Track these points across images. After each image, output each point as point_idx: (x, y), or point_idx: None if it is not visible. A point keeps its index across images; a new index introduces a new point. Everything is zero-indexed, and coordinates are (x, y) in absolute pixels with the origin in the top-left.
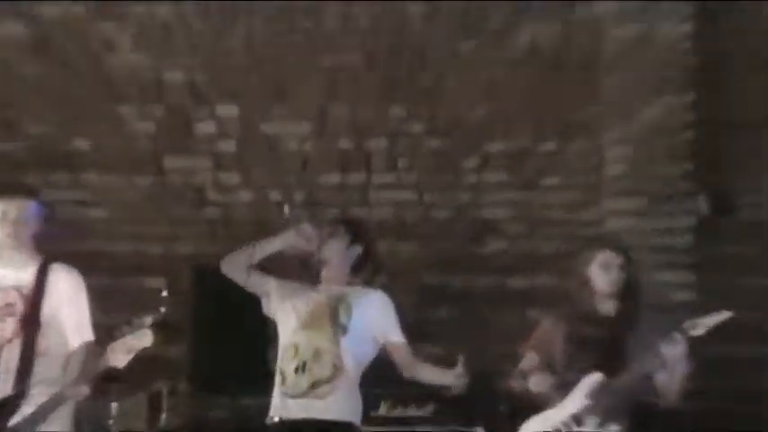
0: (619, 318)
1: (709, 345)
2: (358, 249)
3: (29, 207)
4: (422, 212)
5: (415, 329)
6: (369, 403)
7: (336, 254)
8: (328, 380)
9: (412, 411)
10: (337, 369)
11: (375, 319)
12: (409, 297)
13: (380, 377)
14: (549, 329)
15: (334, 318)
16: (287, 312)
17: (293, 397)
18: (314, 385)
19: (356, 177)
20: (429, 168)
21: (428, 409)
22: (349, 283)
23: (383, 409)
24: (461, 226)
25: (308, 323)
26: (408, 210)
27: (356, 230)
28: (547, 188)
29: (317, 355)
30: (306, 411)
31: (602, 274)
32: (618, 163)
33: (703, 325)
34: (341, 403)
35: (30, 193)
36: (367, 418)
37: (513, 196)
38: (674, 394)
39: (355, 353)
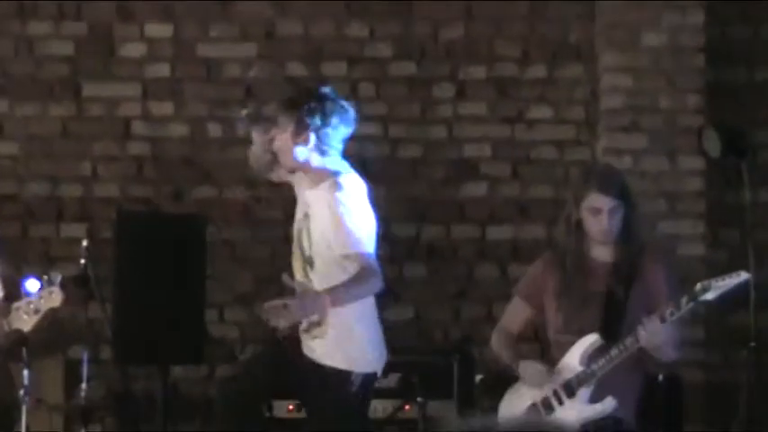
0: (616, 268)
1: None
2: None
3: None
4: (388, 150)
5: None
6: None
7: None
8: (318, 320)
9: None
10: None
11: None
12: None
13: None
14: (540, 276)
15: (300, 246)
16: None
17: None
18: (308, 327)
19: None
20: (396, 98)
21: (391, 380)
22: (315, 179)
23: None
24: (434, 166)
25: (293, 255)
26: (373, 146)
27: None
28: (533, 122)
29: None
30: (308, 351)
31: (590, 219)
32: (615, 94)
33: (717, 288)
34: (330, 347)
35: None
36: None
37: (495, 132)
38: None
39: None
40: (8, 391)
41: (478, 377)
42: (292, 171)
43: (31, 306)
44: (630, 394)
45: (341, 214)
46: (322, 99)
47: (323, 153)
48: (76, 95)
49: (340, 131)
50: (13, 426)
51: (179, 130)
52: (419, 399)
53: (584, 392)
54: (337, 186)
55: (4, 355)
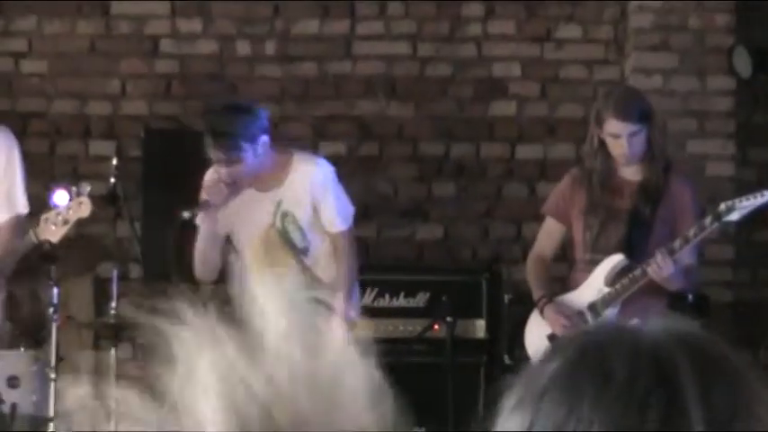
0: (642, 187)
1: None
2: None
3: None
4: (417, 69)
5: (411, 207)
6: None
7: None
8: None
9: (401, 302)
10: None
11: None
12: (404, 169)
13: (364, 262)
14: (568, 192)
15: (288, 243)
16: None
17: None
18: None
19: (338, 26)
20: (424, 16)
21: (420, 299)
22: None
23: (368, 299)
24: (463, 85)
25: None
26: (401, 65)
27: None
28: (562, 41)
29: None
30: None
31: (611, 142)
32: (644, 13)
33: (741, 208)
34: None
35: None
36: None
37: (524, 51)
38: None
39: None
40: (37, 308)
41: (507, 296)
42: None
43: (60, 217)
44: (656, 315)
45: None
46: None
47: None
48: (105, 13)
49: None
50: (43, 343)
51: (207, 47)
52: (448, 318)
53: (610, 313)
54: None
55: (33, 270)
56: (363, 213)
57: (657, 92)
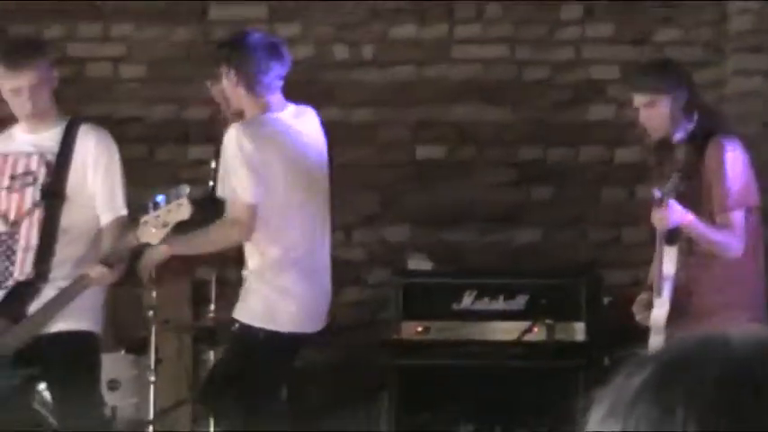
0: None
1: None
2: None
3: (39, 70)
4: (514, 72)
5: (509, 210)
6: (451, 295)
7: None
8: None
9: (500, 304)
10: None
11: None
12: (501, 173)
13: (463, 266)
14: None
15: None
16: None
17: None
18: None
19: (436, 30)
20: (522, 19)
21: (519, 302)
22: None
23: (467, 302)
24: (561, 88)
25: None
26: (498, 68)
27: None
28: (661, 44)
29: None
30: None
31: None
32: (744, 15)
33: None
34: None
35: (36, 52)
36: (449, 312)
37: (622, 53)
38: None
39: None
40: (136, 311)
41: (606, 299)
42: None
43: (159, 220)
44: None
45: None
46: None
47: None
48: (202, 18)
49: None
50: (143, 346)
51: (305, 51)
52: (547, 321)
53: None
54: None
55: (132, 273)
56: (460, 217)
57: (757, 94)
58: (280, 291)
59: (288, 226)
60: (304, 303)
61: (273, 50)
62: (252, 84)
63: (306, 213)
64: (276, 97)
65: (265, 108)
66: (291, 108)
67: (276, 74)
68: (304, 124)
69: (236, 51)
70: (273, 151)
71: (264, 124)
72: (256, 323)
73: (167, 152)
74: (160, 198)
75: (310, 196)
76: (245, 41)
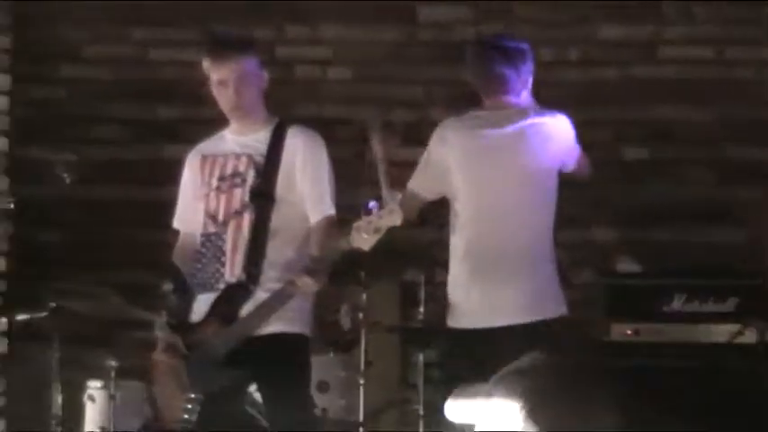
0: None
1: None
2: None
3: (247, 64)
4: (722, 72)
5: (714, 210)
6: (660, 297)
7: None
8: None
9: (710, 306)
10: None
11: None
12: (706, 172)
13: (669, 266)
14: None
15: None
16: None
17: None
18: None
19: (643, 30)
20: (730, 19)
21: (729, 304)
22: None
23: (677, 304)
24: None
25: None
26: (706, 69)
27: None
28: None
29: None
30: None
31: None
32: None
33: None
34: None
35: (245, 46)
36: (659, 314)
37: None
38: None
39: None
40: (345, 313)
41: None
42: None
43: (371, 225)
44: None
45: None
46: None
47: None
48: (411, 18)
49: None
50: (352, 348)
51: None
52: (759, 323)
53: None
54: None
55: (341, 275)
56: (665, 217)
57: None
58: None
59: None
60: None
61: None
62: None
63: None
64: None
65: None
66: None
67: None
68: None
69: None
70: None
71: None
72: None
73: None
74: (371, 203)
75: None
76: None
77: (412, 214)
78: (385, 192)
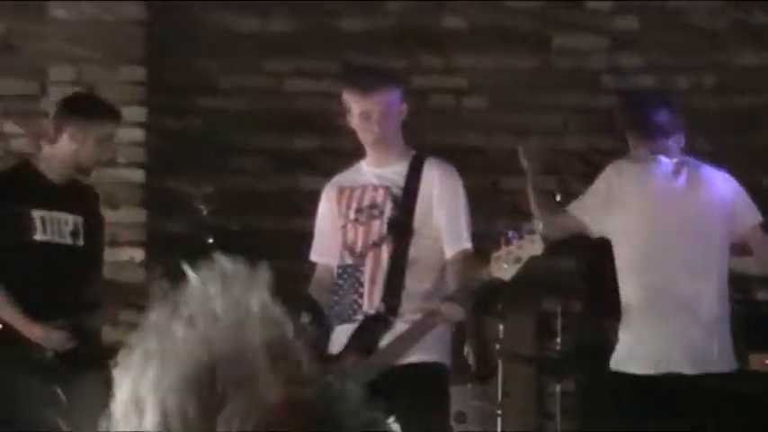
0: None
1: None
2: None
3: (391, 97)
4: None
5: None
6: None
7: None
8: None
9: None
10: None
11: None
12: None
13: None
14: None
15: None
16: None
17: None
18: None
19: None
20: None
21: None
22: None
23: None
24: None
25: None
26: None
27: None
28: None
29: None
30: None
31: None
32: None
33: None
34: None
35: (389, 78)
36: None
37: None
38: None
39: None
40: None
41: None
42: None
43: (511, 255)
44: None
45: None
46: None
47: None
48: (545, 47)
49: None
50: (489, 379)
51: (646, 80)
52: None
53: None
54: None
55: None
56: None
57: None
58: None
59: None
60: None
61: None
62: None
63: None
64: None
65: None
66: None
67: None
68: None
69: None
70: None
71: None
72: None
73: (510, 182)
74: (511, 233)
75: None
76: None
77: (559, 235)
78: (536, 220)
